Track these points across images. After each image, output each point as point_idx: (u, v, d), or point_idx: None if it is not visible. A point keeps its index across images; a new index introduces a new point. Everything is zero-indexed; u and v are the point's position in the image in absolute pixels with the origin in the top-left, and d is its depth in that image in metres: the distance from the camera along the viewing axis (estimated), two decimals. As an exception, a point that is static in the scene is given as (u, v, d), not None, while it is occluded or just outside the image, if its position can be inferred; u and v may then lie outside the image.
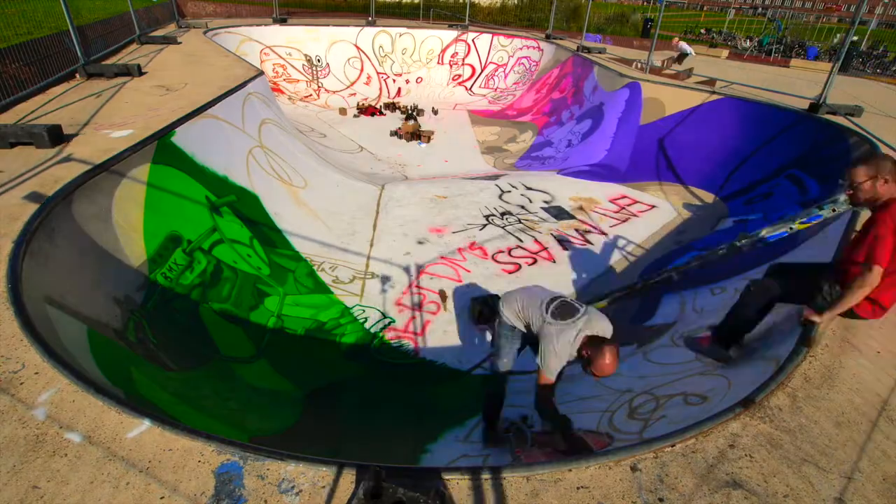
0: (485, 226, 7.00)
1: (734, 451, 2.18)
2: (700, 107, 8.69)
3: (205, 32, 11.99)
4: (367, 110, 13.07)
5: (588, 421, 3.49)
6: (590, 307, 3.00)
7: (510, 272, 5.96)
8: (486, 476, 2.01)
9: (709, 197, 7.71)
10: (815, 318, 2.84)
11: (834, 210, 3.30)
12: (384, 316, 5.09)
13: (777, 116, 7.65)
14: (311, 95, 13.66)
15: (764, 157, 7.45)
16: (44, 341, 2.46)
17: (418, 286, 5.59)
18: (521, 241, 6.65)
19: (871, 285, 2.67)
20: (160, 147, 4.84)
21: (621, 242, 6.69)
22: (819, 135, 6.96)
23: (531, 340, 3.19)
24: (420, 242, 6.51)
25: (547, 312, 2.96)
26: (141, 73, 7.31)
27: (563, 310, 2.95)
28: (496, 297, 3.88)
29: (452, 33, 15.79)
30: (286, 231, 6.02)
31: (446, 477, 1.99)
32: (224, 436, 2.14)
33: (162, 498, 1.81)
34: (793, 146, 7.20)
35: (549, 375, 2.90)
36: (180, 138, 5.21)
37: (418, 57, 15.51)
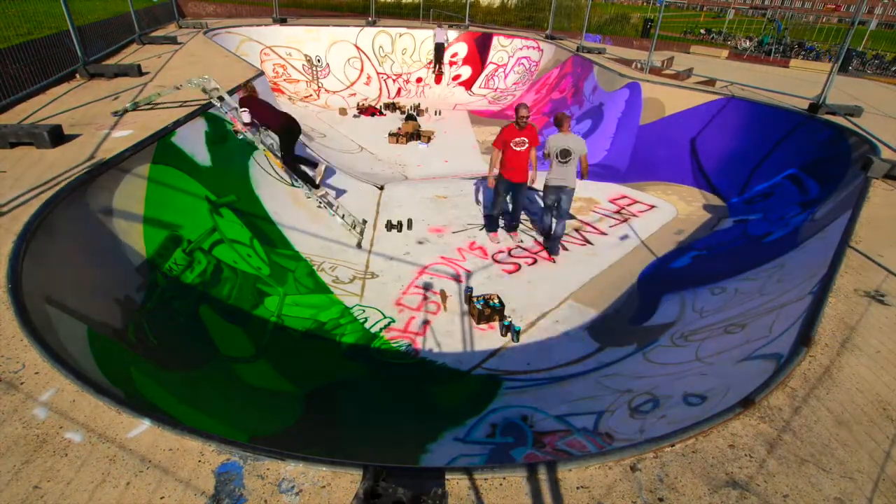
0: (485, 226, 7.00)
1: (734, 451, 2.18)
2: (701, 107, 8.69)
3: (205, 32, 12.00)
4: (367, 110, 13.08)
5: (588, 421, 3.49)
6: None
7: (510, 272, 5.96)
8: (485, 476, 2.01)
9: (715, 198, 7.71)
10: None
11: None
12: (384, 316, 5.09)
13: (781, 118, 7.63)
14: (311, 95, 13.67)
15: (767, 158, 7.45)
16: (44, 341, 2.46)
17: (418, 286, 5.60)
18: (521, 241, 6.65)
19: None
20: (160, 147, 4.84)
21: (621, 242, 6.69)
22: (819, 135, 6.96)
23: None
24: (420, 242, 6.51)
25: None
26: (141, 74, 7.31)
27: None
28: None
29: (453, 33, 15.79)
30: (286, 231, 6.02)
31: (446, 477, 1.99)
32: (224, 436, 2.14)
33: (162, 498, 1.81)
34: (793, 147, 7.20)
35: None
36: (180, 138, 5.22)
37: (418, 57, 15.51)
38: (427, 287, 5.58)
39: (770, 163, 7.32)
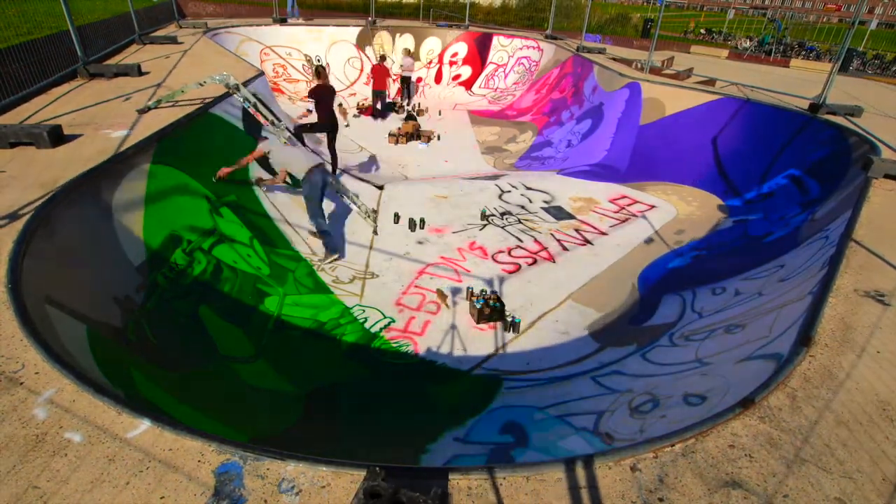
0: (485, 226, 7.00)
1: (734, 451, 2.18)
2: (700, 107, 8.68)
3: (205, 32, 11.99)
4: (367, 110, 13.07)
5: (588, 421, 3.49)
6: None
7: (510, 272, 5.96)
8: (485, 476, 2.01)
9: (715, 198, 7.71)
10: None
11: None
12: (384, 316, 5.09)
13: (784, 119, 7.60)
14: (311, 95, 13.65)
15: (766, 157, 7.44)
16: (44, 341, 2.46)
17: (418, 286, 5.59)
18: (520, 240, 6.65)
19: None
20: (160, 147, 4.84)
21: (621, 242, 6.69)
22: (819, 135, 6.96)
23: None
24: (420, 242, 6.51)
25: None
26: (141, 73, 7.30)
27: None
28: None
29: (453, 33, 15.80)
30: (286, 231, 6.02)
31: (447, 477, 1.99)
32: (224, 436, 2.14)
33: (162, 498, 1.81)
34: (794, 147, 7.19)
35: None
36: (180, 138, 5.22)
37: (418, 57, 15.51)
38: (427, 287, 5.58)
39: (772, 162, 7.30)
